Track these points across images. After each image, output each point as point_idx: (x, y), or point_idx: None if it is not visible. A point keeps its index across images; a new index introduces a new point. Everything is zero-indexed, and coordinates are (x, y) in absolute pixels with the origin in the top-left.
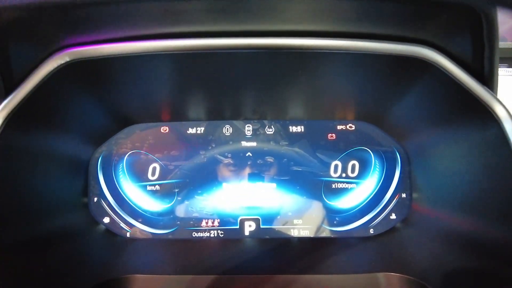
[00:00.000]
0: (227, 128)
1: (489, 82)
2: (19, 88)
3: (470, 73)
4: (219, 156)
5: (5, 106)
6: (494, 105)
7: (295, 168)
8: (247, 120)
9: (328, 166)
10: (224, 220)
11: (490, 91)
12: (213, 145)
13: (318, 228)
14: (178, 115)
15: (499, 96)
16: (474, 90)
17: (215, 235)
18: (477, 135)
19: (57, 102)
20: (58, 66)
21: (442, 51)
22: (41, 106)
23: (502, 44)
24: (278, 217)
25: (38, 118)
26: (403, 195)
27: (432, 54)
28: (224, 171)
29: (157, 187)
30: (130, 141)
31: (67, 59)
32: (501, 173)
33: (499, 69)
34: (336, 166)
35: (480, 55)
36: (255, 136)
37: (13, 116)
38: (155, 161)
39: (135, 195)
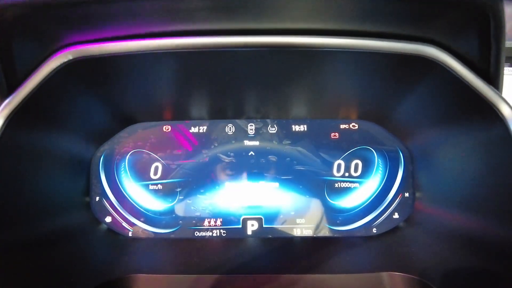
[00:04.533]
0: (230, 127)
1: (495, 81)
2: (22, 86)
3: (476, 72)
4: (221, 155)
5: (7, 105)
6: (499, 104)
7: (297, 167)
8: (250, 119)
9: (331, 165)
10: (227, 220)
11: (496, 90)
12: (216, 144)
13: (321, 228)
14: (181, 114)
15: (504, 95)
16: (479, 89)
17: (218, 235)
18: (481, 134)
19: (59, 100)
20: (60, 65)
21: (447, 50)
22: (44, 104)
23: (507, 43)
24: (281, 216)
25: (41, 117)
26: (406, 195)
27: (438, 53)
28: (226, 170)
29: (159, 186)
30: (132, 140)
31: (70, 57)
32: (505, 172)
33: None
34: (339, 165)
35: (486, 54)
36: (257, 135)
37: (15, 114)
38: (157, 160)
39: (137, 194)
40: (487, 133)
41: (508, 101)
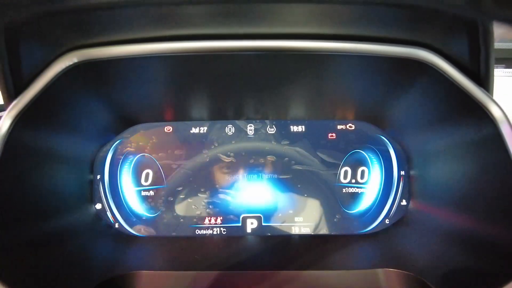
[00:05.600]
0: (230, 128)
1: (485, 83)
2: (28, 88)
3: (467, 75)
4: (221, 155)
5: (14, 106)
6: (490, 106)
7: (296, 167)
8: (249, 120)
9: (328, 165)
10: (227, 218)
11: (486, 92)
12: (216, 144)
13: (319, 226)
14: (182, 115)
15: (495, 97)
16: (470, 91)
17: (218, 233)
18: (473, 135)
19: (64, 102)
20: (66, 67)
21: (439, 53)
22: (49, 106)
23: (500, 45)
24: (279, 214)
25: (46, 118)
26: (402, 194)
27: (430, 56)
28: (226, 170)
29: (161, 186)
30: (134, 141)
31: (75, 60)
32: (497, 173)
33: (497, 69)
34: (336, 164)
35: (476, 57)
36: (257, 135)
37: (22, 116)
38: (159, 160)
39: (139, 193)
40: (478, 134)
41: (503, 102)
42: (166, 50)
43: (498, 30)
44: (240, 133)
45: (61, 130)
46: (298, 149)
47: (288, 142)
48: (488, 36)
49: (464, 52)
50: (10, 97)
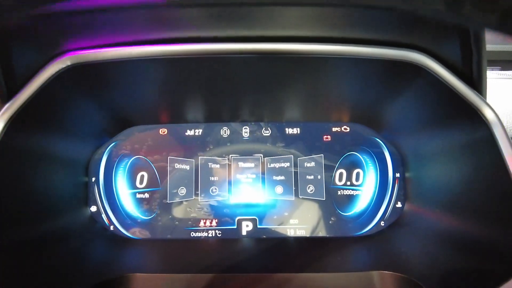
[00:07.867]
0: (225, 130)
1: (478, 86)
2: (21, 91)
3: (460, 77)
4: (216, 158)
5: (7, 109)
6: (483, 108)
7: (291, 169)
8: (244, 122)
9: (323, 167)
10: (222, 220)
11: (479, 95)
12: (211, 147)
13: (314, 228)
14: (177, 117)
15: (490, 99)
16: (463, 94)
17: (213, 235)
18: (467, 138)
19: (58, 105)
20: (59, 70)
21: (432, 56)
22: (43, 109)
23: (495, 47)
24: (275, 217)
25: (39, 121)
26: (397, 195)
27: (423, 59)
28: (221, 172)
29: (156, 188)
30: (129, 143)
31: (68, 63)
32: (490, 174)
33: (492, 71)
34: (331, 167)
35: (468, 60)
36: (252, 137)
37: (15, 118)
38: (154, 162)
39: (134, 195)
40: (472, 136)
41: (498, 104)
42: (160, 52)
43: (491, 33)
44: (235, 135)
45: (55, 133)
46: (293, 151)
47: (283, 144)
48: (479, 39)
49: (457, 55)
50: (3, 100)
